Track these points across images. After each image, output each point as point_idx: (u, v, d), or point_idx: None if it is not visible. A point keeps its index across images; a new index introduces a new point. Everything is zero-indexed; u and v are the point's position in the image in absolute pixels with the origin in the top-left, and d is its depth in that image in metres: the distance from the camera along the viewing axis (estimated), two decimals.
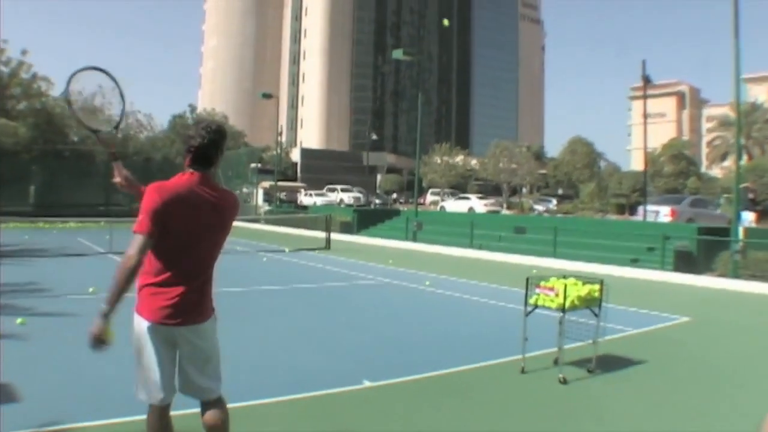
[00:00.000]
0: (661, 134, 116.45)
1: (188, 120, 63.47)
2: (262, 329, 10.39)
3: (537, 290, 7.80)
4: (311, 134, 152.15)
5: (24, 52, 50.66)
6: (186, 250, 3.91)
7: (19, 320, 9.95)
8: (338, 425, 5.94)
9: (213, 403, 4.13)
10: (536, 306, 7.80)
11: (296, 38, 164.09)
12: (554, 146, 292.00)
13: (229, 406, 6.14)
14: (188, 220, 3.86)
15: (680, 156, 69.36)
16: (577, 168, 78.79)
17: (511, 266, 21.10)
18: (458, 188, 75.46)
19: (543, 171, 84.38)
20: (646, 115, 46.35)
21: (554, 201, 62.65)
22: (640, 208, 34.89)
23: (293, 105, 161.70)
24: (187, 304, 3.93)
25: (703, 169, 79.25)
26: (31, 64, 51.09)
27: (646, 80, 41.97)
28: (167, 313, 3.85)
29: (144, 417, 4.15)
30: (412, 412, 6.38)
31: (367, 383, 7.22)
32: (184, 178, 3.99)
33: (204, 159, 4.07)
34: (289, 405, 6.47)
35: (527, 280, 7.92)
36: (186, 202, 3.86)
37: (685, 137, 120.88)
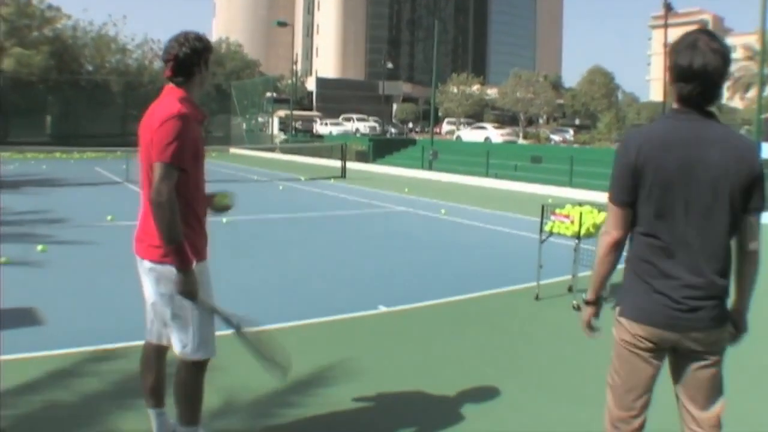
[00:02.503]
0: None
1: None
2: (279, 257, 10.51)
3: (552, 217, 7.82)
4: (327, 63, 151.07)
5: None
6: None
7: (39, 247, 10.11)
8: (354, 348, 6.04)
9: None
10: (551, 233, 7.82)
11: None
12: (572, 76, 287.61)
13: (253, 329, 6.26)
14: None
15: None
16: (595, 98, 78.15)
17: (526, 196, 21.07)
18: (474, 118, 75.13)
19: (560, 101, 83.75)
20: (666, 45, 45.56)
21: (571, 131, 62.20)
22: None
23: (308, 33, 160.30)
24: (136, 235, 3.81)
25: (723, 101, 78.24)
26: None
27: (668, 8, 41.17)
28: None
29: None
30: (427, 336, 6.48)
31: (382, 308, 7.33)
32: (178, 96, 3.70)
33: (187, 69, 3.74)
34: (305, 329, 6.60)
35: (542, 207, 7.93)
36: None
37: None
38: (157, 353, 3.98)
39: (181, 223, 3.47)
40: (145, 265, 3.68)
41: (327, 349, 6.00)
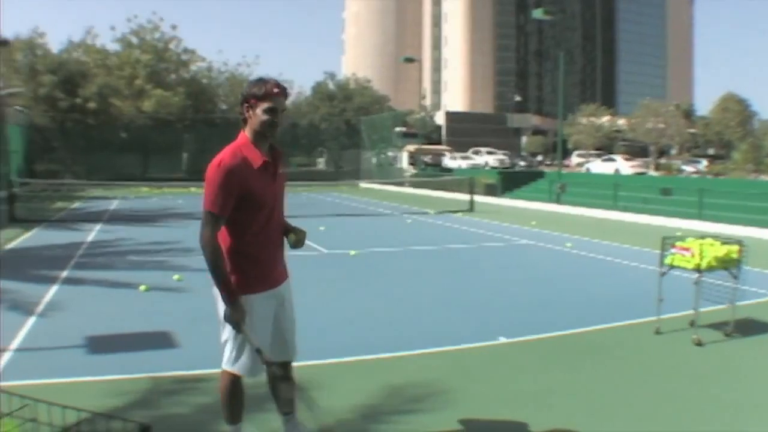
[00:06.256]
0: None
1: (329, 86, 64.80)
2: (404, 288, 10.86)
3: (672, 250, 7.76)
4: (455, 97, 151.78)
5: (173, 27, 53.76)
6: None
7: (176, 276, 10.92)
8: (473, 377, 6.30)
9: None
10: (672, 266, 7.78)
11: (437, 0, 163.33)
12: (705, 104, 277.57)
13: (373, 357, 6.68)
14: None
15: None
16: (730, 127, 75.48)
17: (654, 228, 20.76)
18: (604, 149, 73.85)
19: (693, 130, 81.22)
20: None
21: (704, 162, 60.22)
22: None
23: (437, 68, 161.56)
24: None
25: None
26: (181, 39, 54.22)
27: None
28: None
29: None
30: (546, 368, 6.65)
31: (502, 339, 7.56)
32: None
33: (242, 113, 4.12)
34: (427, 357, 6.91)
35: (663, 240, 7.94)
36: None
37: None
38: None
39: (233, 260, 4.00)
40: None
41: (444, 377, 6.28)
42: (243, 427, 4.46)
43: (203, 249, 3.88)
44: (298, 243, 4.32)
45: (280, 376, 4.34)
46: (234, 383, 4.26)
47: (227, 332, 4.11)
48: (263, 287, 4.12)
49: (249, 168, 3.93)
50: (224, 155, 3.92)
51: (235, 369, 4.13)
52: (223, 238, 4.03)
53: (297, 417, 4.51)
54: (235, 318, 3.94)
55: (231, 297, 3.93)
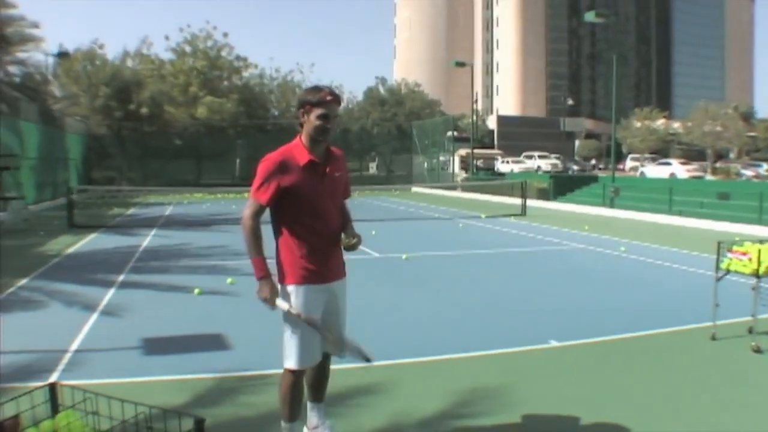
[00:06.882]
0: None
1: (380, 91, 65.16)
2: (455, 291, 10.86)
3: (729, 255, 7.62)
4: (507, 101, 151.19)
5: (225, 35, 54.68)
6: None
7: (229, 280, 11.12)
8: (525, 381, 6.29)
9: None
10: (728, 271, 7.63)
11: (488, 4, 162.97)
12: (765, 107, 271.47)
13: (426, 359, 6.72)
14: None
15: None
16: None
17: (711, 233, 20.41)
18: (660, 153, 72.99)
19: (752, 133, 79.68)
20: None
21: (765, 165, 59.06)
22: None
23: (488, 72, 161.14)
24: None
25: None
26: (232, 46, 55.06)
27: None
28: None
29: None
30: (595, 371, 6.62)
31: (553, 343, 7.53)
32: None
33: (297, 118, 4.44)
34: (478, 360, 6.93)
35: (718, 244, 7.78)
36: None
37: None
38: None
39: (285, 251, 4.36)
40: None
41: (496, 379, 6.28)
42: (297, 426, 4.58)
43: (242, 227, 4.33)
44: (350, 246, 4.46)
45: (320, 365, 4.60)
46: (294, 381, 4.44)
47: (283, 328, 4.37)
48: (312, 280, 4.34)
49: (294, 164, 4.27)
50: (278, 152, 4.32)
51: (290, 364, 4.37)
52: (279, 229, 4.41)
53: (324, 406, 4.77)
54: (261, 295, 4.26)
55: (259, 273, 4.26)
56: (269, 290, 4.23)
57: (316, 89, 4.31)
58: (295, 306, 4.27)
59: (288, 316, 4.30)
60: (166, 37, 59.18)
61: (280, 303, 4.26)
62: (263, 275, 4.24)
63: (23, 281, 11.43)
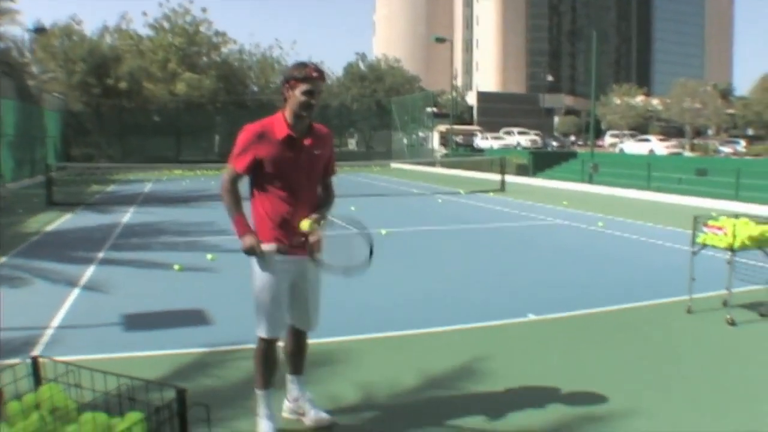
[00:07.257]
0: None
1: (360, 67, 65.05)
2: (435, 266, 10.95)
3: (705, 229, 7.69)
4: (487, 77, 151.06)
5: (204, 10, 54.16)
6: None
7: (209, 256, 11.14)
8: (502, 352, 6.37)
9: None
10: (704, 246, 7.70)
11: None
12: (744, 84, 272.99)
13: (402, 333, 6.79)
14: None
15: None
16: None
17: (688, 209, 20.52)
18: (639, 130, 73.31)
19: (731, 111, 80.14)
20: None
21: (743, 142, 59.53)
22: None
23: (468, 48, 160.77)
24: None
25: None
26: (211, 21, 54.56)
27: None
28: None
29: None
30: (572, 344, 6.70)
31: (531, 317, 7.62)
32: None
33: (282, 92, 4.51)
34: (454, 334, 7.02)
35: (695, 219, 7.86)
36: None
37: None
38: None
39: (260, 217, 4.45)
40: None
41: (473, 352, 6.35)
42: (272, 393, 4.66)
43: (221, 190, 4.46)
44: (309, 235, 4.42)
45: (296, 338, 4.79)
46: (265, 349, 4.56)
47: (255, 302, 4.48)
48: (281, 249, 4.43)
49: (272, 137, 4.37)
50: (258, 123, 4.44)
51: (261, 333, 4.50)
52: (254, 194, 4.52)
53: (305, 379, 4.87)
54: (246, 245, 4.33)
55: (242, 230, 4.36)
56: (253, 240, 4.32)
57: (302, 65, 4.38)
58: (266, 270, 4.39)
59: (258, 284, 4.42)
60: (144, 13, 58.47)
61: (267, 247, 4.35)
62: (246, 231, 4.35)
63: (3, 259, 11.37)
